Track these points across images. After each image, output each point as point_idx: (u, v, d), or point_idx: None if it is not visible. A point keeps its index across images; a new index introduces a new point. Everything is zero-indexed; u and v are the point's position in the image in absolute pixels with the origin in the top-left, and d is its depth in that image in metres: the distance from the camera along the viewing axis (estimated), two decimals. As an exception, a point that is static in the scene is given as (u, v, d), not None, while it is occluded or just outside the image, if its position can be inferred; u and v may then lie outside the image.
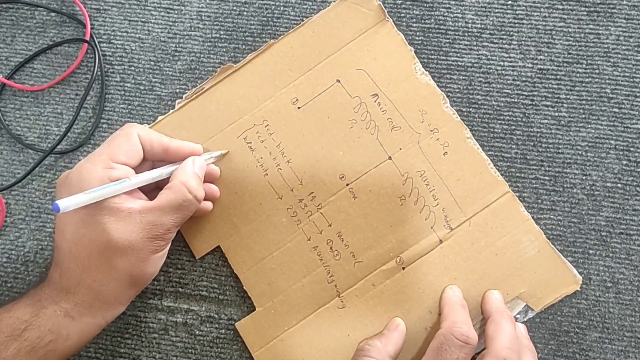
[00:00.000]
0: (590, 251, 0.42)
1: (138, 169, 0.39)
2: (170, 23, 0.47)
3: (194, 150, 0.41)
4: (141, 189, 0.38)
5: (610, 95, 0.43)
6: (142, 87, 0.46)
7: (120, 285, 0.37)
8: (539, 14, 0.45)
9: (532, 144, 0.43)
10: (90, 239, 0.35)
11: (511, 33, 0.45)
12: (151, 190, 0.40)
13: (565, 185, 0.43)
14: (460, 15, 0.45)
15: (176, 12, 0.47)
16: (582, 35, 0.44)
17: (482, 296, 0.40)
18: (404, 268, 0.41)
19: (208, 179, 0.42)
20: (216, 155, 0.42)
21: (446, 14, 0.45)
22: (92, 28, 0.47)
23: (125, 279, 0.36)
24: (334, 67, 0.43)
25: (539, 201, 0.42)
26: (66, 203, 0.33)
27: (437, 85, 0.43)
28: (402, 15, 0.45)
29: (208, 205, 0.42)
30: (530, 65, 0.44)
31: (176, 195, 0.37)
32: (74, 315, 0.36)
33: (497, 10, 0.45)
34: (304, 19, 0.45)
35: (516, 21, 0.45)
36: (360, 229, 0.41)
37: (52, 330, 0.35)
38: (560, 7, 0.45)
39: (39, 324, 0.35)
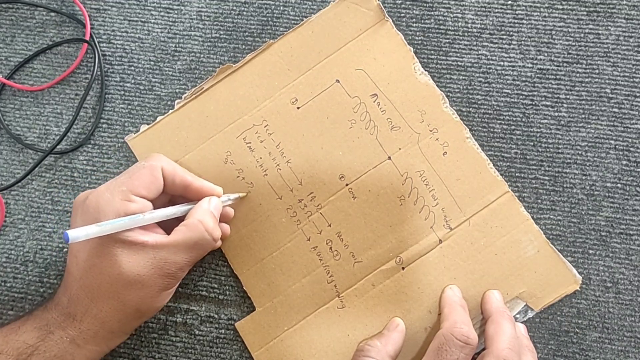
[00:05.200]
0: (590, 251, 0.42)
1: (155, 200, 0.38)
2: (170, 23, 0.47)
3: (214, 191, 0.40)
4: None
5: (610, 95, 0.43)
6: (141, 87, 0.46)
7: (126, 317, 0.37)
8: (538, 14, 0.45)
9: (531, 143, 0.43)
10: (101, 269, 0.35)
11: (511, 33, 0.45)
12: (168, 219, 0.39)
13: (565, 185, 0.43)
14: (460, 15, 0.45)
15: (176, 12, 0.47)
16: (582, 35, 0.44)
17: (482, 296, 0.40)
18: (403, 268, 0.41)
19: (222, 219, 0.41)
20: (234, 197, 0.41)
21: (446, 14, 0.45)
22: (91, 28, 0.47)
23: (131, 312, 0.36)
24: (333, 67, 0.43)
25: (539, 201, 0.42)
26: (76, 234, 0.32)
27: (437, 85, 0.43)
28: (402, 15, 0.45)
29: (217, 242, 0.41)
30: (530, 65, 0.44)
31: (192, 233, 0.36)
32: (79, 342, 0.36)
33: (497, 10, 0.45)
34: (304, 18, 0.45)
35: (516, 21, 0.45)
36: (359, 229, 0.41)
37: (58, 355, 0.36)
38: (560, 7, 0.45)
39: (45, 348, 0.35)
